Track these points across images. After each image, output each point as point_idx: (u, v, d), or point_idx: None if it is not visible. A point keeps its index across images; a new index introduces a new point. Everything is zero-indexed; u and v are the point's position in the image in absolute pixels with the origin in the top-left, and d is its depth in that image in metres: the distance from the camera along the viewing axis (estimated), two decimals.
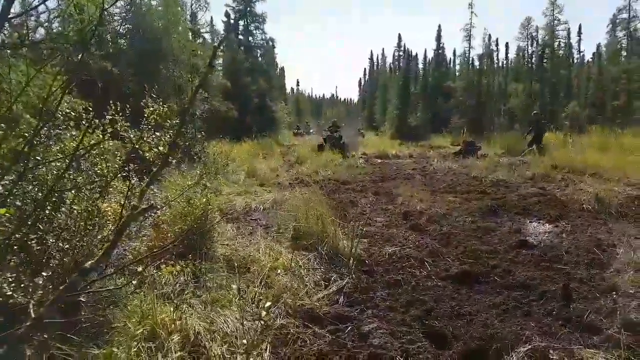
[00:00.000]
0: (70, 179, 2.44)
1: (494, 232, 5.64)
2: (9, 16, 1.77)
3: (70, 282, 1.12)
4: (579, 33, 39.21)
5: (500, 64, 41.50)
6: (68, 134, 2.48)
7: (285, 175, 11.74)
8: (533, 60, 36.58)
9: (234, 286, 3.33)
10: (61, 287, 1.07)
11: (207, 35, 28.60)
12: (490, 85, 36.21)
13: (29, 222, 2.10)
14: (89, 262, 1.11)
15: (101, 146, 2.57)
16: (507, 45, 41.18)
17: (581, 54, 41.17)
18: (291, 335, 3.02)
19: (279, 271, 4.01)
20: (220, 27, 32.02)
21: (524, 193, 8.13)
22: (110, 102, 2.51)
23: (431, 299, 3.59)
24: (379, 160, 16.37)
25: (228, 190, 8.62)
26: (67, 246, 2.45)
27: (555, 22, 34.54)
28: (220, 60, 27.43)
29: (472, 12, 36.16)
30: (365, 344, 2.87)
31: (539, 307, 3.45)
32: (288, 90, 59.67)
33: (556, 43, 35.30)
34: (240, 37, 29.95)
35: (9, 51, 1.97)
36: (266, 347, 2.82)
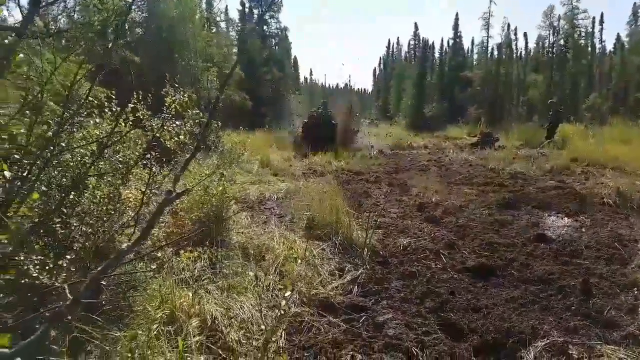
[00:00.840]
0: (94, 166, 2.49)
1: (512, 225, 5.58)
2: (40, 5, 1.80)
3: (107, 264, 1.15)
4: (601, 22, 38.03)
5: (519, 53, 40.65)
6: (91, 122, 2.52)
7: (298, 165, 11.78)
8: (554, 50, 35.71)
9: (251, 273, 3.37)
10: (98, 268, 1.10)
11: (222, 24, 28.58)
12: (508, 75, 35.53)
13: (54, 207, 2.16)
14: (125, 245, 1.15)
15: (123, 134, 2.60)
16: (525, 35, 40.25)
17: (602, 44, 39.90)
18: (305, 323, 3.05)
19: (298, 261, 4.01)
20: (234, 15, 32.00)
21: (542, 186, 8.02)
22: (134, 91, 2.54)
23: (447, 291, 3.58)
24: (393, 151, 16.26)
25: (242, 180, 8.67)
26: (90, 230, 2.50)
27: (575, 10, 33.69)
28: (235, 50, 27.41)
29: (491, 0, 35.51)
30: (380, 334, 2.88)
31: (558, 302, 3.42)
32: (301, 79, 59.29)
33: (577, 32, 34.41)
34: (255, 26, 29.89)
35: (37, 40, 2.00)
36: (281, 334, 2.84)
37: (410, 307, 3.30)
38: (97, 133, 2.50)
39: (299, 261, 3.99)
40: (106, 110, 2.63)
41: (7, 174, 1.57)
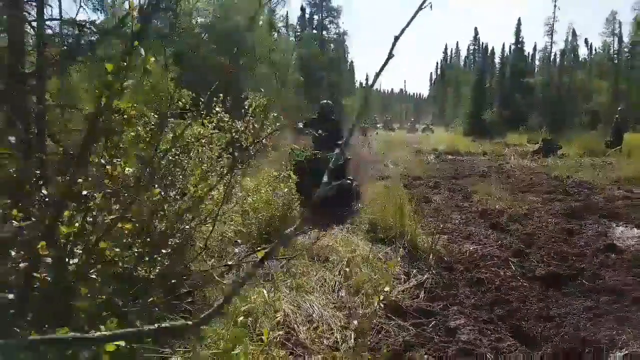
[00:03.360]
0: (189, 166, 2.67)
1: (580, 235, 5.39)
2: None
3: (271, 248, 1.26)
4: None
5: (582, 60, 38.60)
6: (181, 123, 2.71)
7: None
8: (618, 57, 33.65)
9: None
10: (260, 256, 1.21)
11: (282, 30, 29.17)
12: (572, 82, 33.81)
13: (158, 205, 2.34)
14: (289, 229, 1.25)
15: (208, 136, 2.78)
16: (586, 41, 38.55)
17: None
18: (374, 325, 3.07)
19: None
20: (294, 21, 32.49)
21: (609, 195, 7.73)
22: (221, 95, 2.72)
23: (517, 299, 3.50)
24: (451, 157, 15.92)
25: None
26: (187, 227, 2.68)
27: None
28: (294, 55, 27.85)
29: (555, 5, 34.01)
30: (453, 339, 2.85)
31: (634, 313, 3.25)
32: (357, 84, 59.19)
33: None
34: (314, 31, 30.24)
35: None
36: (350, 334, 2.88)
37: (481, 313, 3.24)
38: (188, 134, 2.69)
39: (363, 263, 4.02)
40: (193, 113, 2.83)
41: (127, 170, 1.74)
